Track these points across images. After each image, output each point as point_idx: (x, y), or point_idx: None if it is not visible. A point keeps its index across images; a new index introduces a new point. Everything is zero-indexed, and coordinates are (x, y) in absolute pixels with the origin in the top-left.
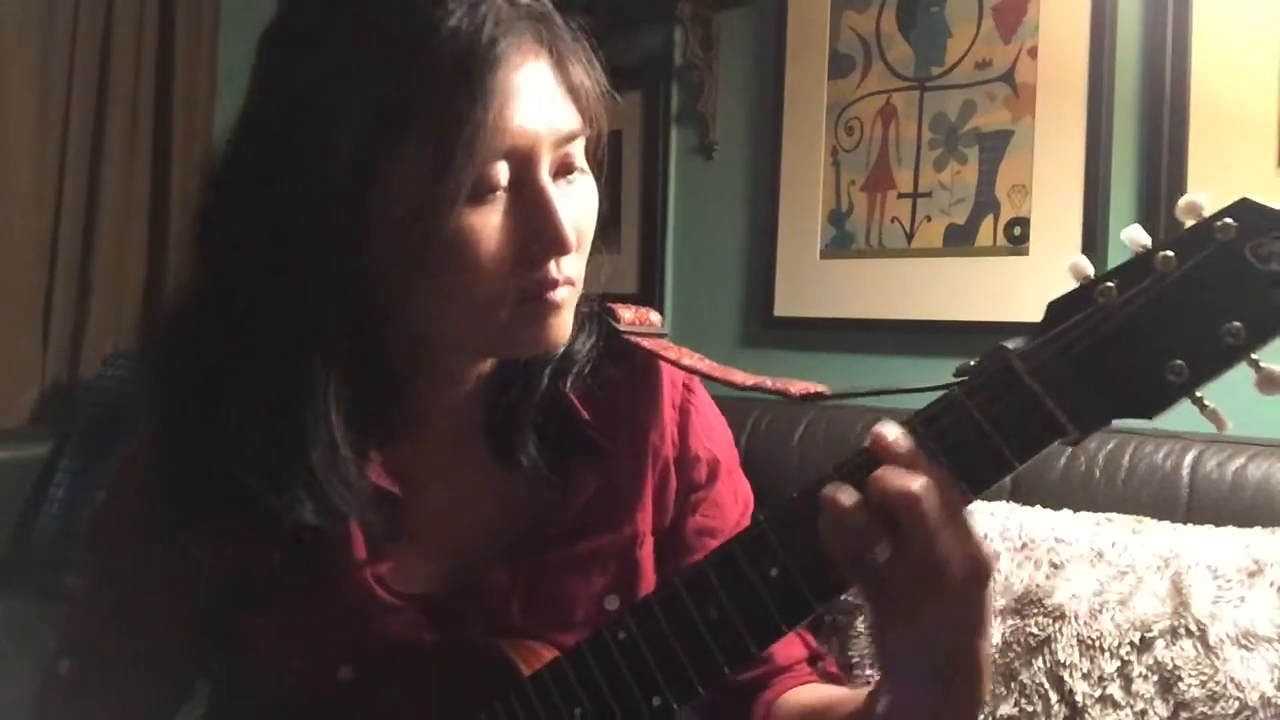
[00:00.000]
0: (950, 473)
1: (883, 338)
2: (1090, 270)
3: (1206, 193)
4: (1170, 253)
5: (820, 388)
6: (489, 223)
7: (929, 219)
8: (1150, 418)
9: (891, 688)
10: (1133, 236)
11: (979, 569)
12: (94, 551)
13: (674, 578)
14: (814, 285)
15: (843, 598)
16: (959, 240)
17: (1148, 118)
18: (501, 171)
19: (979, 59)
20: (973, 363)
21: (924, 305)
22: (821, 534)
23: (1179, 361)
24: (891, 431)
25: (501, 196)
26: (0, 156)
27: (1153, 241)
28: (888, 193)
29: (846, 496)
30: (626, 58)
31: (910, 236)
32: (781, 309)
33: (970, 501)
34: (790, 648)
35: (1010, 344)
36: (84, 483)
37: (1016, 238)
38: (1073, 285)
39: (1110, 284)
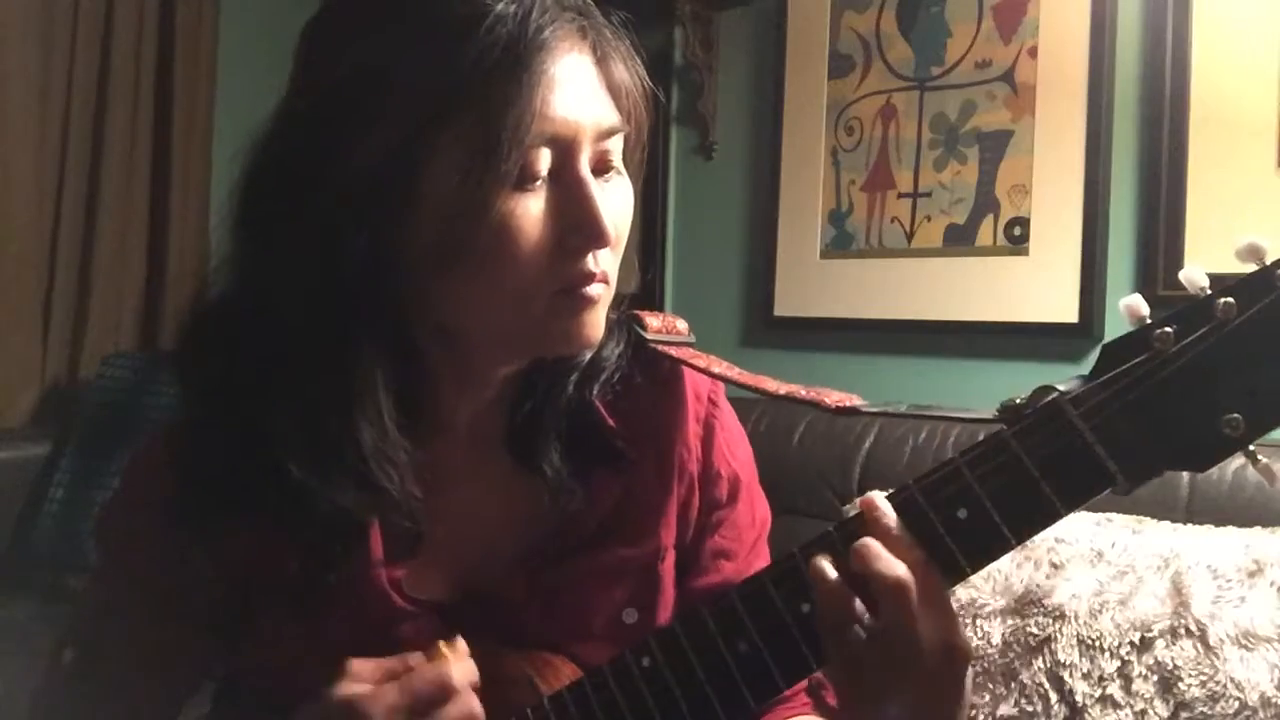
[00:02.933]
0: (948, 549)
1: (883, 338)
2: (1145, 311)
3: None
4: (1231, 299)
5: (856, 400)
6: (529, 211)
7: (929, 219)
8: (1202, 470)
9: None
10: (1191, 278)
11: (955, 656)
12: (104, 543)
13: (701, 607)
14: (814, 285)
15: None
16: (959, 240)
17: (1148, 118)
18: (544, 159)
19: (979, 59)
20: (1019, 399)
21: (924, 305)
22: (813, 604)
23: (1235, 415)
24: (884, 507)
25: (542, 186)
26: (0, 156)
27: (1212, 285)
28: (888, 193)
29: (833, 571)
30: None
31: (910, 236)
32: (781, 309)
33: (966, 576)
34: None
35: (1062, 386)
36: (84, 483)
37: (1016, 238)
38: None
39: (1168, 329)
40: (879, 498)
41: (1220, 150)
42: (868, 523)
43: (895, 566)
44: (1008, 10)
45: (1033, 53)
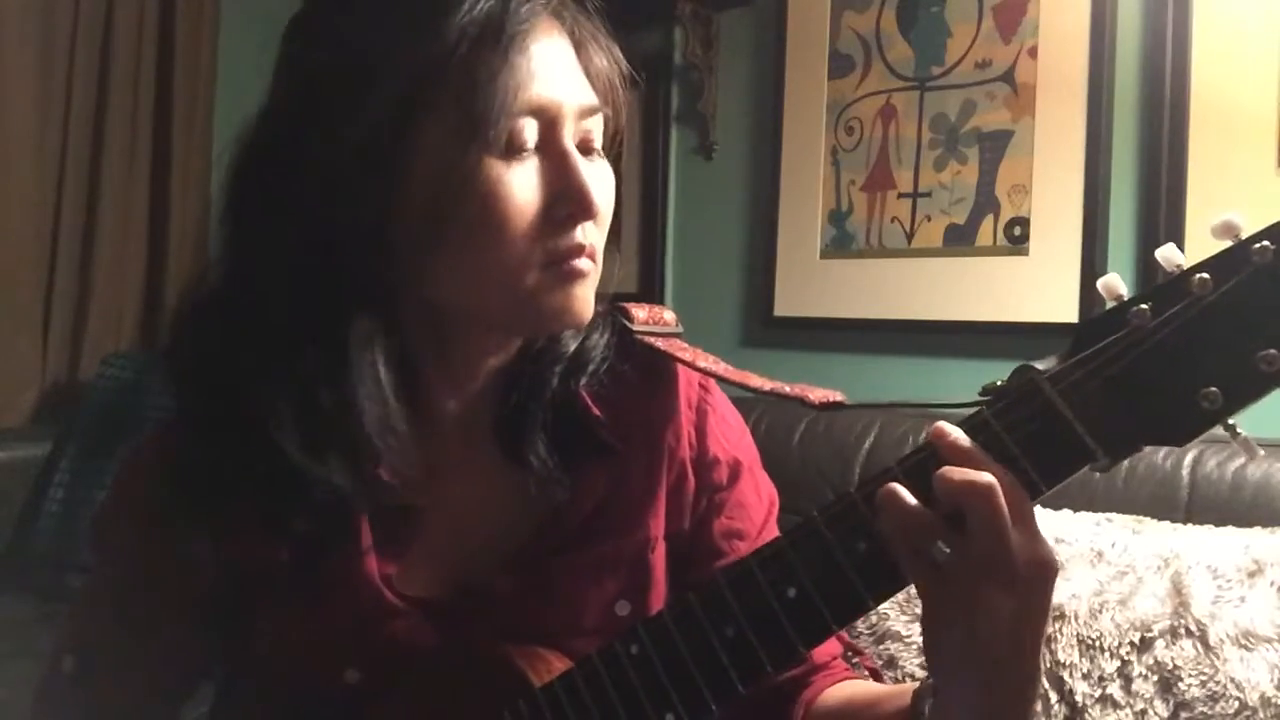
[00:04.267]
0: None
1: (883, 338)
2: (1123, 290)
3: (1238, 212)
4: (1206, 275)
5: (838, 396)
6: (517, 180)
7: (929, 219)
8: (1180, 445)
9: (945, 686)
10: (1167, 256)
11: (1045, 565)
12: (100, 545)
13: (689, 593)
14: (814, 285)
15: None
16: (959, 240)
17: (1148, 118)
18: (529, 129)
19: (979, 59)
20: (999, 382)
21: (924, 305)
22: (882, 532)
23: (1213, 388)
24: (953, 430)
25: (529, 158)
26: (0, 156)
27: (1188, 262)
28: (888, 193)
29: (909, 494)
30: (626, 58)
31: (910, 236)
32: (781, 309)
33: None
34: (826, 644)
35: (1040, 364)
36: (84, 483)
37: (1016, 238)
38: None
39: (1144, 306)
40: (947, 425)
41: (1220, 150)
42: (942, 448)
43: (982, 476)
44: (1008, 10)
45: (1033, 53)
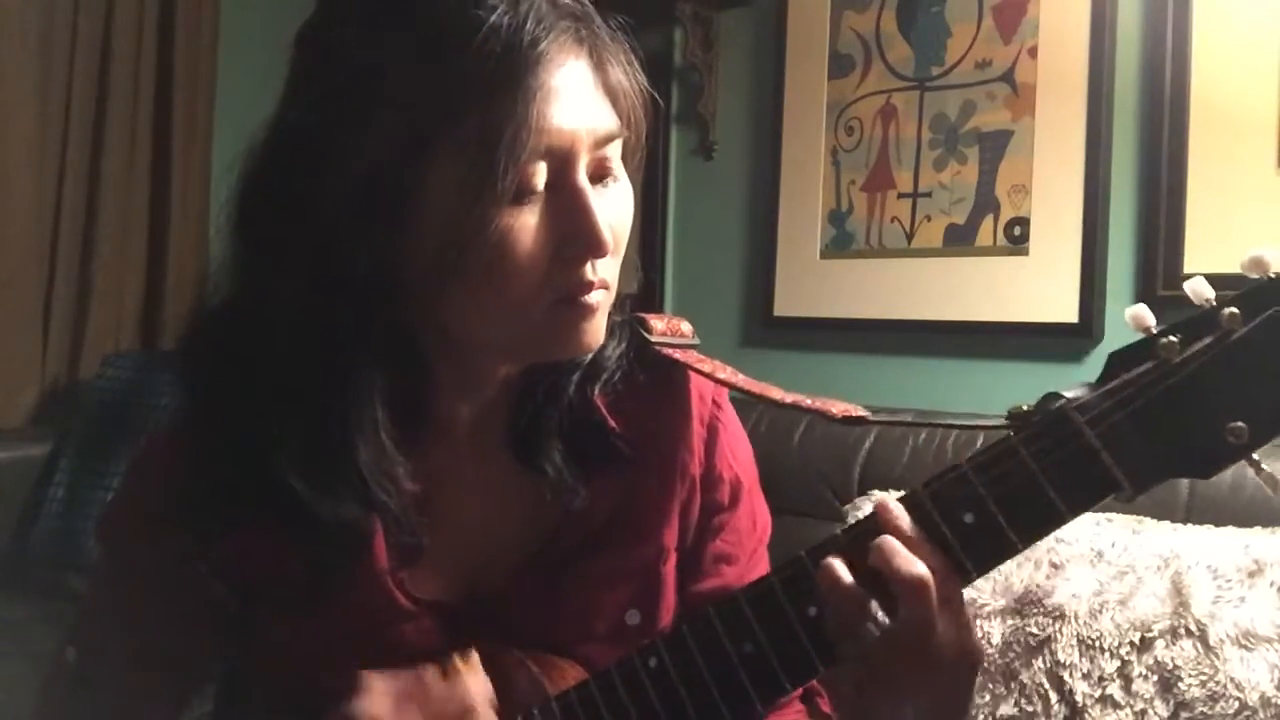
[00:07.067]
0: (955, 554)
1: (882, 338)
2: (1151, 321)
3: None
4: (1235, 309)
5: (861, 411)
6: (527, 224)
7: (929, 219)
8: (1206, 478)
9: None
10: (1196, 290)
11: (970, 657)
12: (106, 545)
13: (709, 608)
14: (814, 285)
15: None
16: (959, 240)
17: (1148, 118)
18: (540, 173)
19: (979, 59)
20: (1025, 407)
21: (924, 305)
22: (820, 603)
23: (1239, 423)
24: (898, 510)
25: (539, 198)
26: (0, 156)
27: (1217, 296)
28: (888, 193)
29: (845, 571)
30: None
31: (910, 236)
32: (781, 309)
33: (971, 580)
34: None
35: (1069, 393)
36: (84, 483)
37: (1016, 238)
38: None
39: (1173, 338)
40: (892, 501)
41: (1220, 150)
42: (883, 525)
43: (915, 564)
44: (1008, 10)
45: (1033, 53)
